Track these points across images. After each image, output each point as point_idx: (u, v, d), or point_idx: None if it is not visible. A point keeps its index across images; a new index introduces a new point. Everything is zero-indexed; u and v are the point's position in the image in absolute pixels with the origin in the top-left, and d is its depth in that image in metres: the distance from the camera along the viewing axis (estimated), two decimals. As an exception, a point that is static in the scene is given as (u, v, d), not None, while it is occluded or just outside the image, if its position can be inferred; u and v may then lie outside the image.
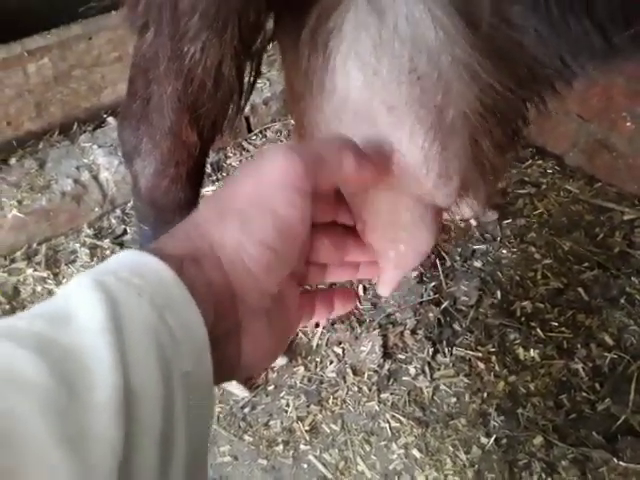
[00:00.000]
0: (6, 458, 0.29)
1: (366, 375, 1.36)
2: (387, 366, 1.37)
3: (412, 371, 1.36)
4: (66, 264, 1.58)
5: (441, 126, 0.55)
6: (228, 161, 1.81)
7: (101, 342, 0.34)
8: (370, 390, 1.34)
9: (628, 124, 1.59)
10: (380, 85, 0.55)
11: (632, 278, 1.49)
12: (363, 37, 0.56)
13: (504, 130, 0.62)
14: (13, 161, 1.65)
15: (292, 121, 1.86)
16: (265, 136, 1.89)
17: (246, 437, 1.28)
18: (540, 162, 1.80)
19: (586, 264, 1.53)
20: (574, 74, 0.69)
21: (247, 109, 1.82)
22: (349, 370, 1.37)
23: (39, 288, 1.53)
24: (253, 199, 0.44)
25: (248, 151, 1.84)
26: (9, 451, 0.29)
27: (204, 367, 0.39)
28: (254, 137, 1.88)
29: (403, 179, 0.56)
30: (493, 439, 1.24)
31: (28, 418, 0.30)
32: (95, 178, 1.61)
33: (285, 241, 0.44)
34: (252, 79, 0.80)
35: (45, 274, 1.56)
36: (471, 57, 0.54)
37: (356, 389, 1.34)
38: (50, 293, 1.53)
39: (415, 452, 1.24)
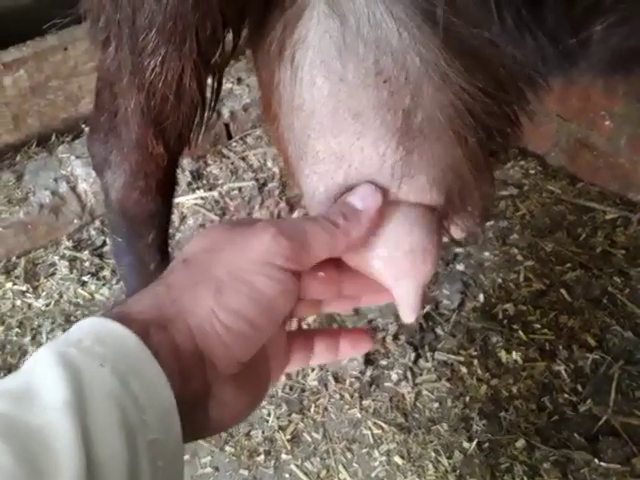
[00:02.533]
0: None
1: (348, 382, 1.35)
2: (369, 372, 1.36)
3: (394, 377, 1.36)
4: (45, 277, 1.58)
5: (407, 130, 0.54)
6: (208, 169, 1.80)
7: (64, 420, 0.35)
8: (352, 397, 1.33)
9: (607, 123, 1.59)
10: (346, 91, 0.54)
11: (614, 278, 1.49)
12: (327, 43, 0.56)
13: (486, 134, 0.61)
14: (-10, 174, 1.65)
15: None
16: (245, 143, 1.88)
17: (227, 448, 1.27)
18: (522, 163, 1.80)
19: (568, 265, 1.53)
20: (544, 75, 0.68)
21: (227, 116, 1.82)
22: (331, 378, 1.36)
23: (18, 302, 1.53)
24: (232, 270, 0.45)
25: (228, 158, 1.83)
26: None
27: (172, 430, 0.40)
28: (234, 144, 1.88)
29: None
30: (475, 443, 1.24)
31: None
32: (73, 189, 1.60)
33: (262, 313, 0.45)
34: (215, 91, 0.79)
35: (24, 287, 1.55)
36: (439, 58, 0.53)
37: (338, 397, 1.34)
38: (30, 307, 1.52)
39: (397, 459, 1.24)
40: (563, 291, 1.48)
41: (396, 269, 0.57)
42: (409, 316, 0.58)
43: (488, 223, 1.65)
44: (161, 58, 0.70)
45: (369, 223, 0.52)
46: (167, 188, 0.94)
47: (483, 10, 0.55)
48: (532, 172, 1.78)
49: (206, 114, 0.79)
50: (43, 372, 0.37)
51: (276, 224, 0.47)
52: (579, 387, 1.31)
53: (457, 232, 0.71)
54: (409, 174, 0.56)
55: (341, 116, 0.55)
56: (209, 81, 0.78)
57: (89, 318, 0.42)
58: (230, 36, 0.73)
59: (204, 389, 0.44)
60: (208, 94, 0.79)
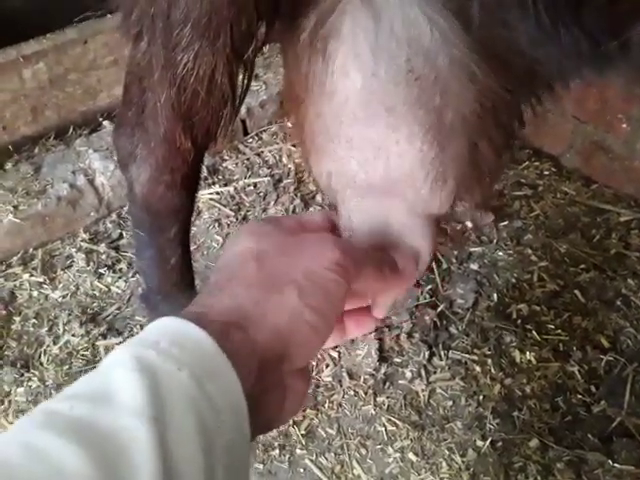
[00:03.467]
0: None
1: (362, 379, 1.36)
2: (383, 370, 1.37)
3: (408, 375, 1.36)
4: (62, 269, 1.58)
5: (440, 128, 0.56)
6: (224, 164, 1.81)
7: (142, 425, 0.35)
8: (366, 394, 1.34)
9: (624, 126, 1.59)
10: (378, 86, 0.55)
11: (628, 280, 1.49)
12: (361, 40, 0.57)
13: (501, 132, 0.62)
14: (9, 166, 1.65)
15: (289, 124, 1.86)
16: (261, 139, 1.89)
17: (242, 441, 1.27)
18: (537, 164, 1.81)
19: (582, 266, 1.54)
20: (570, 75, 0.69)
21: (243, 112, 1.82)
22: (345, 374, 1.37)
23: (35, 293, 1.54)
24: (307, 274, 0.48)
25: (244, 154, 1.84)
26: None
27: (243, 433, 0.41)
28: (250, 140, 1.88)
29: (399, 184, 0.57)
30: (489, 442, 1.24)
31: None
32: (91, 182, 1.61)
33: (332, 311, 0.49)
34: (245, 86, 0.80)
35: (41, 279, 1.56)
36: (468, 58, 0.54)
37: (352, 393, 1.34)
38: (47, 298, 1.53)
39: (411, 456, 1.24)
40: (577, 292, 1.48)
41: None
42: (381, 313, 0.63)
43: (502, 223, 1.65)
44: (194, 53, 0.71)
45: (404, 287, 0.60)
46: (192, 183, 0.95)
47: (519, 6, 0.56)
48: (547, 173, 1.78)
49: (235, 109, 0.80)
50: (121, 376, 0.38)
51: (342, 243, 0.53)
52: (592, 388, 1.31)
53: (462, 214, 0.75)
54: (443, 177, 0.58)
55: (374, 108, 0.57)
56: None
57: (167, 318, 0.43)
58: (262, 30, 0.74)
59: (280, 384, 0.47)
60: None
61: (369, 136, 0.57)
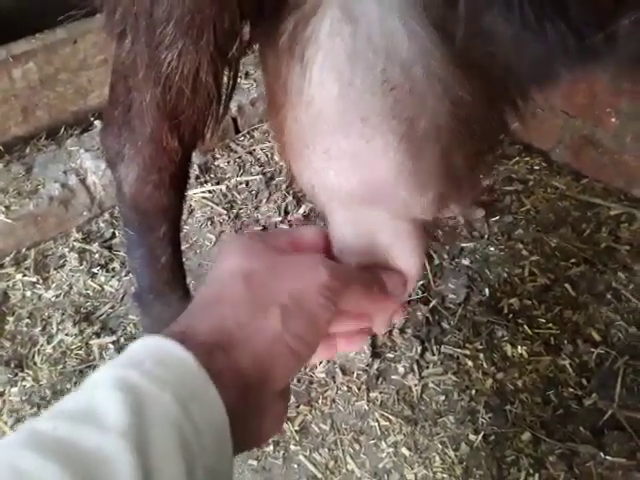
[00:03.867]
0: None
1: (355, 374, 1.37)
2: (376, 365, 1.37)
3: (401, 370, 1.37)
4: (55, 269, 1.59)
5: (414, 138, 0.55)
6: (216, 162, 1.81)
7: (124, 447, 0.35)
8: (359, 389, 1.35)
9: (613, 120, 1.60)
10: (354, 96, 0.55)
11: (618, 273, 1.50)
12: (338, 47, 0.57)
13: (481, 139, 0.62)
14: (0, 166, 1.65)
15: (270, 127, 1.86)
16: (253, 137, 1.89)
17: (236, 438, 1.28)
18: (527, 159, 1.81)
19: (573, 260, 1.54)
20: (556, 76, 0.69)
21: (234, 110, 1.83)
22: (338, 370, 1.37)
23: (29, 293, 1.54)
24: (294, 297, 0.48)
25: (236, 152, 1.84)
26: None
27: (225, 454, 0.41)
28: (242, 138, 1.89)
29: (378, 192, 0.57)
30: (481, 436, 1.25)
31: None
32: (82, 182, 1.61)
33: (314, 336, 0.50)
34: (230, 85, 0.80)
35: (34, 279, 1.56)
36: (444, 70, 0.54)
37: (345, 389, 1.35)
38: (40, 298, 1.53)
39: (404, 450, 1.25)
40: (568, 286, 1.49)
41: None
42: (382, 330, 0.66)
43: (493, 218, 1.66)
44: (178, 51, 0.71)
45: (392, 307, 0.61)
46: (180, 182, 0.95)
47: (504, 3, 0.56)
48: (537, 168, 1.79)
49: (221, 108, 0.80)
50: (104, 396, 0.38)
51: (330, 264, 0.52)
52: (584, 381, 1.32)
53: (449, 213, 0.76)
54: (421, 184, 0.58)
55: (349, 118, 0.57)
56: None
57: (151, 337, 0.43)
58: (246, 29, 0.74)
59: (260, 407, 0.48)
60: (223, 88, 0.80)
61: (345, 146, 0.57)
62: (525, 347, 1.38)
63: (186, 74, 0.70)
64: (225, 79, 0.79)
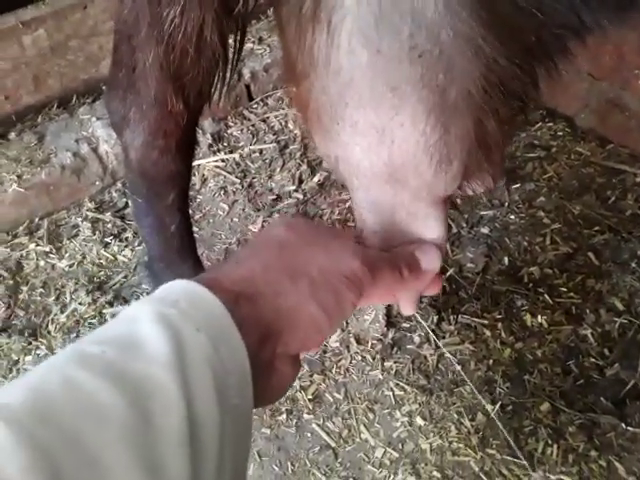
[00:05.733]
0: None
1: (370, 344, 1.35)
2: (391, 335, 1.35)
3: (416, 339, 1.35)
4: (68, 238, 1.58)
5: (444, 108, 0.53)
6: (229, 131, 1.78)
7: (169, 374, 0.38)
8: (374, 359, 1.33)
9: (640, 82, 1.53)
10: (383, 64, 0.53)
11: (644, 241, 1.45)
12: (364, 11, 0.54)
13: (511, 105, 0.59)
14: (12, 135, 1.64)
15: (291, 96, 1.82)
16: (267, 104, 1.85)
17: (250, 407, 1.27)
18: (550, 124, 1.75)
19: (596, 228, 1.50)
20: (588, 30, 0.65)
21: (247, 77, 1.79)
22: (352, 339, 1.36)
23: (42, 263, 1.54)
24: (324, 272, 0.50)
25: (249, 120, 1.80)
26: (99, 475, 0.32)
27: (247, 399, 0.43)
28: (255, 105, 1.85)
29: (402, 170, 0.55)
30: (498, 406, 1.23)
31: (112, 446, 0.33)
32: (95, 151, 1.60)
33: (337, 312, 0.51)
34: (238, 45, 0.77)
35: (47, 249, 1.56)
36: (473, 30, 0.51)
37: (360, 358, 1.33)
38: (53, 268, 1.53)
39: (419, 420, 1.23)
40: (591, 254, 1.45)
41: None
42: (410, 310, 0.65)
43: (514, 186, 1.61)
44: (180, 8, 0.68)
45: (425, 284, 0.61)
46: (187, 148, 0.92)
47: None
48: (560, 134, 1.73)
49: (228, 71, 0.77)
50: (147, 327, 0.40)
51: (363, 253, 0.54)
52: (606, 351, 1.29)
53: (476, 187, 0.73)
54: (447, 159, 0.56)
55: (379, 88, 0.55)
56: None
57: (182, 280, 0.45)
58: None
59: (270, 362, 0.49)
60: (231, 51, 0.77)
61: (373, 119, 0.55)
62: (545, 316, 1.35)
63: (190, 32, 0.67)
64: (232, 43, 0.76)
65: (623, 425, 1.18)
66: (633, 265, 1.42)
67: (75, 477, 0.31)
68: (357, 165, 0.59)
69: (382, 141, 0.56)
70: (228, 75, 0.83)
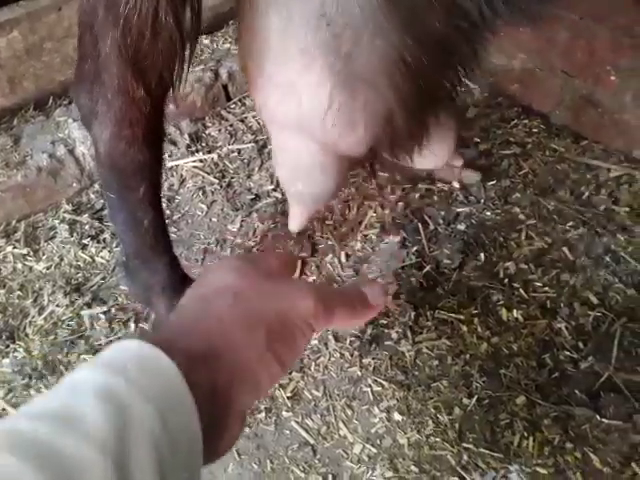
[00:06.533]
0: None
1: (348, 341, 1.35)
2: (369, 331, 1.36)
3: (394, 335, 1.35)
4: (46, 240, 1.58)
5: (349, 76, 0.57)
6: (207, 131, 1.78)
7: (99, 456, 0.35)
8: (352, 356, 1.33)
9: (612, 78, 1.55)
10: (294, 27, 0.57)
11: (617, 235, 1.47)
12: None
13: (434, 80, 0.62)
14: (-12, 138, 1.63)
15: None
16: (244, 104, 1.86)
17: (228, 406, 1.27)
18: (525, 121, 1.77)
19: (571, 223, 1.51)
20: (488, 22, 0.67)
21: (225, 77, 1.79)
22: (331, 337, 1.36)
23: (19, 265, 1.53)
24: (281, 320, 0.50)
25: (227, 120, 1.81)
26: None
27: (195, 470, 0.41)
28: (233, 105, 1.85)
29: (310, 122, 0.59)
30: (475, 400, 1.23)
31: None
32: (71, 152, 1.59)
33: (292, 360, 0.51)
34: (194, 28, 0.77)
35: (25, 251, 1.55)
36: (378, 9, 0.54)
37: (338, 355, 1.33)
38: (31, 270, 1.52)
39: (397, 415, 1.24)
40: (565, 249, 1.46)
41: (301, 198, 0.75)
42: (294, 227, 0.78)
43: (490, 182, 1.62)
44: None
45: (371, 317, 0.61)
46: (154, 138, 0.92)
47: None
48: (535, 131, 1.74)
49: (186, 54, 0.77)
50: (88, 404, 0.38)
51: (316, 291, 0.53)
52: (580, 344, 1.30)
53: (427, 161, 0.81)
54: (352, 124, 0.59)
55: (290, 49, 0.59)
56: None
57: (134, 341, 0.43)
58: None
59: (224, 424, 0.47)
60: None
61: (285, 75, 0.60)
62: (521, 311, 1.35)
63: (144, 14, 0.67)
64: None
65: (597, 417, 1.18)
66: (607, 259, 1.43)
67: None
68: (273, 113, 0.65)
69: (292, 93, 0.61)
70: (186, 58, 0.83)
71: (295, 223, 0.68)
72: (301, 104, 0.59)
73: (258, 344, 0.47)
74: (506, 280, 1.42)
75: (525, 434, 1.19)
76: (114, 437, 0.36)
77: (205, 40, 1.85)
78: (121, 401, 0.38)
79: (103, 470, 0.35)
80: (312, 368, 1.32)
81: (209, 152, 1.75)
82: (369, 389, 1.28)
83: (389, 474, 1.16)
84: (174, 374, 0.41)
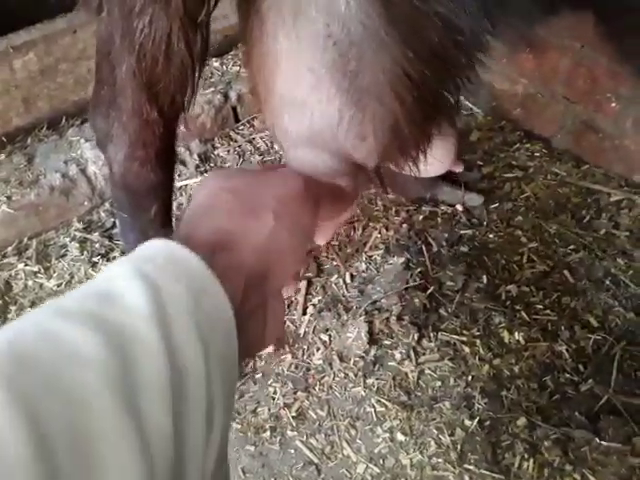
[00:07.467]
0: (84, 422, 0.32)
1: (352, 361, 1.37)
2: (373, 352, 1.37)
3: (397, 356, 1.37)
4: (57, 258, 1.60)
5: (357, 90, 0.60)
6: (216, 151, 1.81)
7: (149, 325, 0.37)
8: (356, 376, 1.35)
9: (613, 105, 1.59)
10: (302, 50, 0.60)
11: (617, 259, 1.49)
12: (286, 4, 0.61)
13: (435, 91, 0.66)
14: (2, 157, 1.67)
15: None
16: (253, 126, 1.89)
17: (234, 424, 1.29)
18: (528, 145, 1.80)
19: (572, 247, 1.53)
20: (507, 33, 0.72)
21: (234, 99, 1.83)
22: (335, 357, 1.38)
23: (30, 282, 1.55)
24: (281, 200, 0.52)
25: (236, 141, 1.84)
26: (88, 416, 0.32)
27: (232, 349, 0.43)
28: (242, 127, 1.89)
29: (322, 137, 0.62)
30: (477, 421, 1.25)
31: (93, 388, 0.33)
32: (83, 172, 1.63)
33: (304, 233, 0.54)
34: (202, 51, 0.81)
35: (36, 268, 1.57)
36: (377, 26, 0.58)
37: (342, 375, 1.35)
38: (42, 287, 1.55)
39: (400, 435, 1.25)
40: (566, 272, 1.48)
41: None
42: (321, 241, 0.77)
43: (493, 205, 1.65)
44: (149, 18, 0.72)
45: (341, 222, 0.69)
46: (166, 159, 0.96)
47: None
48: (537, 155, 1.77)
49: (197, 78, 0.81)
50: (123, 283, 0.39)
51: (300, 173, 0.58)
52: (580, 367, 1.31)
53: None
54: (362, 135, 0.64)
55: (300, 69, 0.62)
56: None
57: (156, 240, 0.45)
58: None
59: (262, 303, 0.50)
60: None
61: (296, 94, 0.63)
62: (522, 333, 1.37)
63: (158, 41, 0.72)
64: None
65: (597, 439, 1.20)
66: (607, 283, 1.45)
67: (54, 417, 0.31)
68: (285, 131, 0.67)
69: (304, 113, 0.63)
70: (196, 82, 0.87)
71: (322, 236, 0.73)
72: (313, 120, 0.62)
73: (269, 226, 0.49)
74: (508, 302, 1.44)
75: (525, 455, 1.20)
76: (153, 307, 0.38)
77: (215, 63, 1.89)
78: (153, 280, 0.40)
79: (151, 333, 0.36)
80: (317, 388, 1.34)
81: (217, 172, 1.78)
82: (372, 409, 1.30)
83: (391, 494, 1.18)
84: (197, 263, 0.42)
